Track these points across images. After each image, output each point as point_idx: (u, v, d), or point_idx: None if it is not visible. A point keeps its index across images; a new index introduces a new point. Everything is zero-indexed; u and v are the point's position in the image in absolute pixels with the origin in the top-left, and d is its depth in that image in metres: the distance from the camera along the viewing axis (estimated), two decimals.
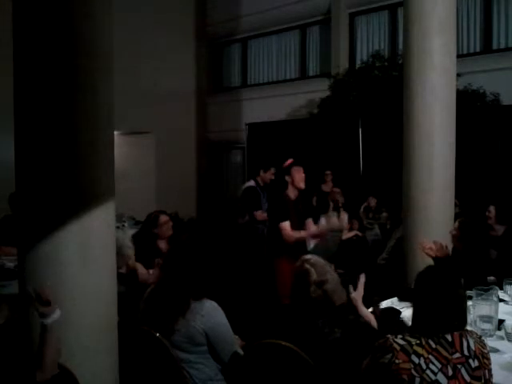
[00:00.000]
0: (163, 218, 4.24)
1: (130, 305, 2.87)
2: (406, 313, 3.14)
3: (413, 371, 1.86)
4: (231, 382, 2.55)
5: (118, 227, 6.08)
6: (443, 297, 1.94)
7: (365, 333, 2.42)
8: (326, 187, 7.75)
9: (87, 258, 2.49)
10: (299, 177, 4.49)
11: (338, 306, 2.44)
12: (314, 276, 2.43)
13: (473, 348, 1.91)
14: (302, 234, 4.47)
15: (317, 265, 2.49)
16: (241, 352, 2.57)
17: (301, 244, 4.56)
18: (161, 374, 2.51)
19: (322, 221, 5.27)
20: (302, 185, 4.51)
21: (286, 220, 4.39)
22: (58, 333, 2.17)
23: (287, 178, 4.52)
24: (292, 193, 4.52)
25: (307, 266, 2.48)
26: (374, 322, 2.62)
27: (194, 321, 2.46)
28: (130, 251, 3.94)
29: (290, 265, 4.35)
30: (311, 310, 2.44)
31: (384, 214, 7.25)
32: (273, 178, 6.07)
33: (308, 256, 2.59)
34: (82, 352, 2.44)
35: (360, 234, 6.73)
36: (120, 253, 3.89)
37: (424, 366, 1.87)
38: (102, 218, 2.55)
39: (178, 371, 2.45)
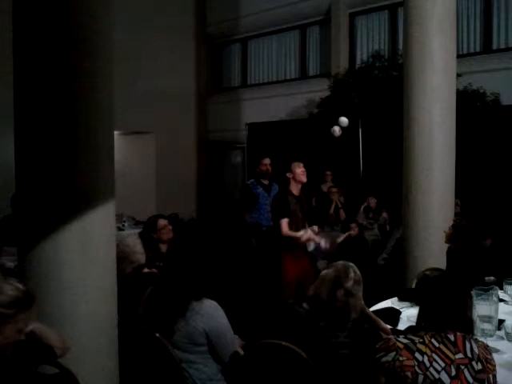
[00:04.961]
0: (161, 222, 4.18)
1: (132, 305, 2.87)
2: (406, 313, 3.14)
3: (416, 368, 1.88)
4: (231, 382, 2.55)
5: (118, 227, 6.12)
6: (452, 299, 1.97)
7: (370, 339, 2.42)
8: (326, 187, 7.75)
9: (87, 258, 2.49)
10: (300, 171, 4.60)
11: (342, 312, 2.45)
12: (349, 284, 2.47)
13: (476, 352, 1.91)
14: (297, 235, 4.52)
15: (357, 278, 2.51)
16: (241, 352, 2.57)
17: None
18: (161, 374, 2.51)
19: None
20: (303, 178, 4.61)
21: (284, 217, 4.49)
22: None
23: (288, 174, 4.64)
24: (295, 188, 4.64)
25: (350, 271, 2.51)
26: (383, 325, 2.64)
27: (194, 321, 2.46)
28: (141, 257, 3.96)
29: (293, 259, 4.49)
30: (321, 309, 2.45)
31: (384, 214, 7.25)
32: (268, 168, 5.83)
33: (355, 266, 2.58)
34: (82, 352, 2.44)
35: (352, 233, 6.59)
36: (130, 258, 3.92)
37: (427, 364, 1.88)
38: (102, 218, 2.56)
39: (178, 371, 2.45)
